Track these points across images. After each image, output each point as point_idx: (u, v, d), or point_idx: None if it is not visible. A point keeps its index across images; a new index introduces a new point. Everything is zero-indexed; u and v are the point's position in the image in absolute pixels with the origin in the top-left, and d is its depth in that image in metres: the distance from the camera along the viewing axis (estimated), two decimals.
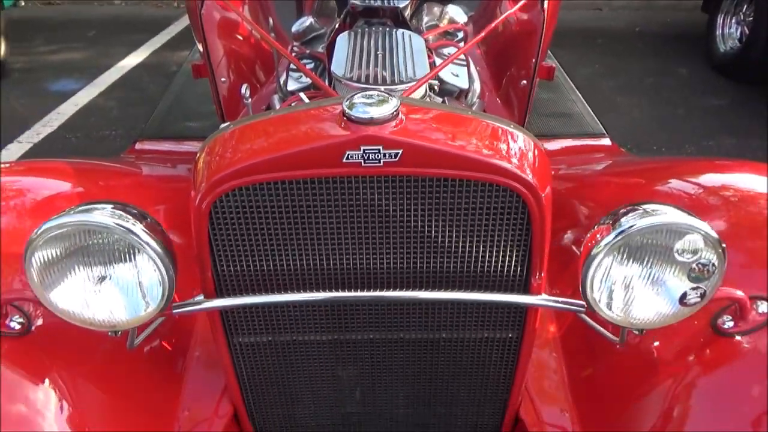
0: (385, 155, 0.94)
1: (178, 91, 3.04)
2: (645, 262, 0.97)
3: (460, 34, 2.38)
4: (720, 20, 4.53)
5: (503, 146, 1.01)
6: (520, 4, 1.92)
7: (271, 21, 2.22)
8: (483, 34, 1.75)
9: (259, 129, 1.03)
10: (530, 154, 1.03)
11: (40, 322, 1.13)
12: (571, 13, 6.09)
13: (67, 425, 1.11)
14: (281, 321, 1.17)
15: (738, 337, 1.11)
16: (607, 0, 6.27)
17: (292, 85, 2.03)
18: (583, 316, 1.14)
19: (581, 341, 1.43)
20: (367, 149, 0.93)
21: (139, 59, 4.82)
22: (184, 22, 5.72)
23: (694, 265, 0.95)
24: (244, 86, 1.66)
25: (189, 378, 1.35)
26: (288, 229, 1.03)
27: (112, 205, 0.98)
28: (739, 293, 1.08)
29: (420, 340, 1.21)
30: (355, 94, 0.96)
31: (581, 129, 2.76)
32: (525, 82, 2.06)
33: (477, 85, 2.14)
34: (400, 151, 0.94)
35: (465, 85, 2.04)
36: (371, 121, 0.93)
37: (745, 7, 4.29)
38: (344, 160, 0.94)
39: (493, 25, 1.78)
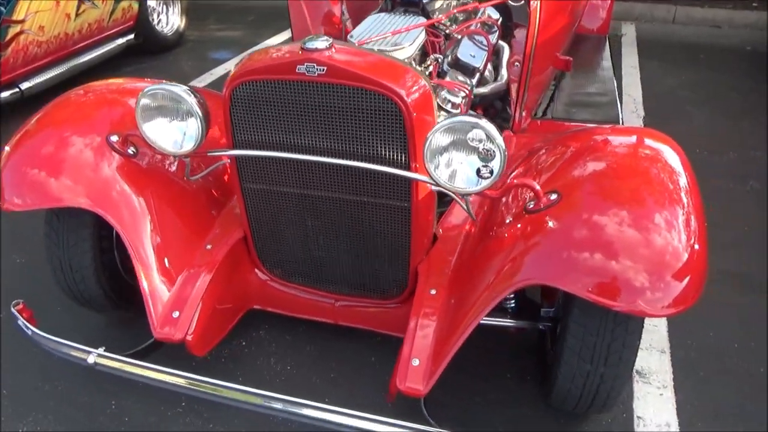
0: (318, 69, 1.67)
1: None
2: (458, 148, 1.59)
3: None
4: None
5: (391, 72, 1.69)
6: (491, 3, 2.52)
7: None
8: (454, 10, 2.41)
9: (258, 54, 1.82)
10: (410, 82, 1.70)
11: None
12: (686, 28, 6.22)
13: (152, 224, 1.98)
14: (268, 174, 1.94)
15: (548, 220, 1.67)
16: (729, 18, 6.26)
17: None
18: (454, 195, 1.75)
19: (467, 235, 2.03)
20: (308, 65, 1.67)
21: (281, 39, 5.91)
22: None
23: (480, 149, 1.56)
24: None
25: (223, 214, 2.19)
26: (267, 112, 1.80)
27: (185, 87, 1.82)
28: (537, 186, 1.65)
29: (352, 201, 1.91)
30: (311, 37, 1.70)
31: (598, 117, 3.18)
32: (518, 64, 2.64)
33: (503, 71, 2.72)
34: (325, 68, 1.66)
35: (478, 65, 2.66)
36: (314, 50, 1.67)
37: None
38: (297, 71, 1.69)
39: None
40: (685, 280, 1.50)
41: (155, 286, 1.92)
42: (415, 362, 1.73)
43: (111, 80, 2.30)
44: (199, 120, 1.80)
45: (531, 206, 1.68)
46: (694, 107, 4.44)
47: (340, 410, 1.63)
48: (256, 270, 2.22)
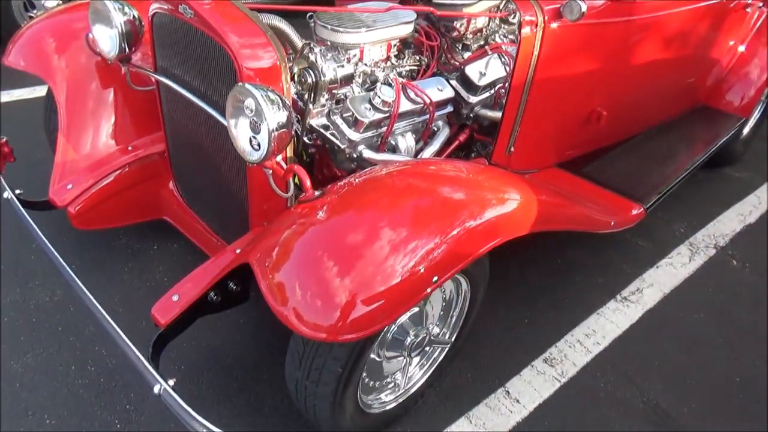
0: (189, 12, 1.84)
1: None
2: (242, 113, 1.63)
3: None
4: None
5: (242, 29, 1.77)
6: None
7: None
8: None
9: None
10: (255, 41, 1.76)
11: None
12: None
13: (91, 113, 2.39)
14: (170, 101, 2.17)
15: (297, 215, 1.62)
16: None
17: None
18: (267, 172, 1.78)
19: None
20: (184, 6, 1.85)
21: None
22: None
23: (251, 120, 1.58)
24: None
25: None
26: (168, 43, 2.03)
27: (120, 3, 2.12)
28: (307, 180, 1.62)
29: (219, 145, 2.04)
30: None
31: (627, 188, 2.70)
32: (503, 91, 2.40)
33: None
34: (193, 13, 1.82)
35: (482, 83, 2.47)
36: None
37: None
38: (178, 10, 1.88)
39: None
40: (363, 310, 1.37)
41: (67, 158, 2.30)
42: (175, 297, 1.83)
43: None
44: (117, 33, 2.09)
45: (302, 196, 1.66)
46: None
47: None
48: (172, 187, 2.49)
